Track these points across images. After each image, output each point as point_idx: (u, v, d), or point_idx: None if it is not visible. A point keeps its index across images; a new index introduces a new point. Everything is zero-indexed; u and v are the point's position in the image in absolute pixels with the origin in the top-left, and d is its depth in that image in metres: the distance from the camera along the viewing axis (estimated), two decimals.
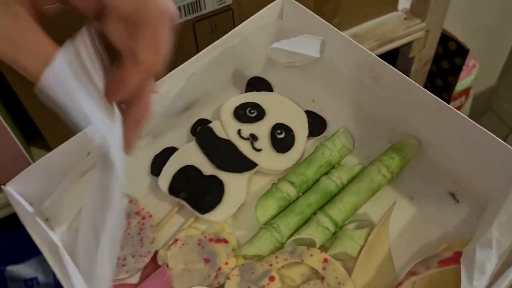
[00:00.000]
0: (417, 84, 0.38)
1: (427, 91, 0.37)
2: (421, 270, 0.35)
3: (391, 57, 0.81)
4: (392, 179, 0.41)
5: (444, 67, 1.04)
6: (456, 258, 0.34)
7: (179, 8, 0.48)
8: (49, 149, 0.55)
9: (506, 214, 0.33)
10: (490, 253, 0.31)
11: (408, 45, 0.73)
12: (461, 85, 1.19)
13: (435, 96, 0.37)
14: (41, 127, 0.52)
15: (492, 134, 0.36)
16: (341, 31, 0.43)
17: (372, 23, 0.68)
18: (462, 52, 0.98)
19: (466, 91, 1.23)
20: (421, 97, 0.38)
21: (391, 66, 0.39)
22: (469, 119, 0.37)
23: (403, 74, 0.38)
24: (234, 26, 0.46)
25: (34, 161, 0.51)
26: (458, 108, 1.25)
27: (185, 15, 0.50)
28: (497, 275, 0.31)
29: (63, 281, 0.33)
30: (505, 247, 0.32)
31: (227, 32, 0.44)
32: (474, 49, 1.23)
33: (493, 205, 0.35)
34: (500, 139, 0.35)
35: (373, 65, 0.41)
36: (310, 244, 0.38)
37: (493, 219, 0.33)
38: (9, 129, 0.45)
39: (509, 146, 0.35)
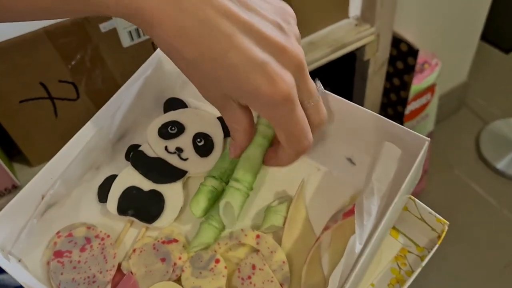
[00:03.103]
0: None
1: None
2: (331, 224, 0.44)
3: (349, 61, 0.86)
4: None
5: (399, 67, 1.13)
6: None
7: (137, 29, 0.57)
8: (30, 164, 0.61)
9: (381, 166, 0.42)
10: (373, 198, 0.41)
11: (361, 49, 0.79)
12: (425, 82, 1.29)
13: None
14: (21, 145, 0.57)
15: (361, 107, 0.45)
16: None
17: (325, 31, 0.74)
18: (413, 52, 1.07)
19: (431, 88, 1.34)
20: None
21: None
22: (347, 101, 0.45)
23: None
24: None
25: (16, 177, 0.57)
26: (426, 104, 1.37)
27: (144, 35, 0.58)
28: (380, 214, 0.40)
29: None
30: (383, 191, 0.41)
31: None
32: (439, 48, 1.35)
33: (373, 162, 0.44)
34: (369, 110, 0.44)
35: None
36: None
37: (372, 172, 0.42)
38: None
39: (376, 114, 0.44)
